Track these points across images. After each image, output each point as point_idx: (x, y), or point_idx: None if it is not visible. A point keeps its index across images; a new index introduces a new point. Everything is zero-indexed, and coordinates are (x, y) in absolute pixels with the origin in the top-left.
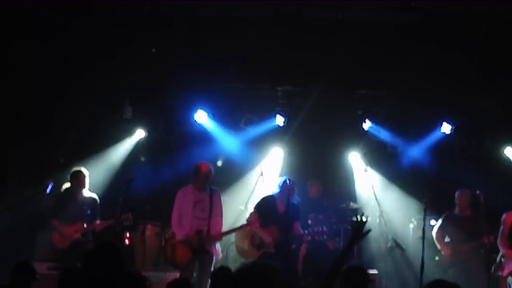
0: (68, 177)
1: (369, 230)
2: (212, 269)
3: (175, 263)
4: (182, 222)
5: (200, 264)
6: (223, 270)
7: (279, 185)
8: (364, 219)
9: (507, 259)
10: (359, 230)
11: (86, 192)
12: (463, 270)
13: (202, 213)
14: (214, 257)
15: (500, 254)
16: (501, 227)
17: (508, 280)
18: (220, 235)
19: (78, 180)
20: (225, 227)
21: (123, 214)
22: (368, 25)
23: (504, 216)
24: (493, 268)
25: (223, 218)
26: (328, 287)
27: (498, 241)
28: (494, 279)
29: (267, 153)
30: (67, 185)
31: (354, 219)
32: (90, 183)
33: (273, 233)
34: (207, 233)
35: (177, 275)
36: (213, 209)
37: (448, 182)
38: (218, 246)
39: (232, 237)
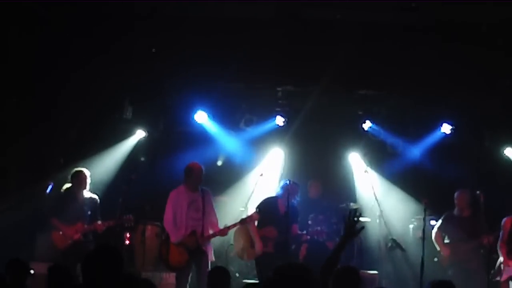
0: (69, 177)
1: (362, 227)
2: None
3: (171, 266)
4: (177, 223)
5: (197, 265)
6: (220, 270)
7: (281, 187)
8: (356, 217)
9: (505, 265)
10: (352, 227)
11: (87, 193)
12: (462, 271)
13: (196, 213)
14: (209, 258)
15: (500, 259)
16: (501, 232)
17: (509, 284)
18: (220, 232)
19: (79, 180)
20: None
21: (124, 216)
22: (368, 25)
23: (503, 221)
24: (491, 272)
25: (219, 218)
26: (324, 284)
27: (498, 246)
28: (493, 282)
29: (267, 153)
30: (68, 185)
31: (347, 218)
32: (90, 183)
33: (271, 233)
34: (201, 233)
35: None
36: (206, 209)
37: (448, 182)
38: (211, 247)
39: (231, 238)
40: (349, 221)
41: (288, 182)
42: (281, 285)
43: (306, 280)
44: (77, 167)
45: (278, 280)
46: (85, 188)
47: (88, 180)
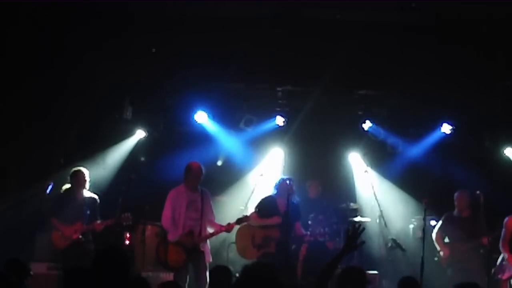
0: (68, 177)
1: (362, 242)
2: (206, 269)
3: (169, 266)
4: (175, 222)
5: (195, 265)
6: (222, 268)
7: (275, 186)
8: (359, 232)
9: (508, 263)
10: (353, 239)
11: (87, 193)
12: (462, 271)
13: (195, 213)
14: (206, 258)
15: (501, 256)
16: (503, 230)
17: (510, 282)
18: (226, 227)
19: (77, 179)
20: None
21: (123, 214)
22: (368, 25)
23: (506, 219)
24: (493, 270)
25: (219, 218)
26: None
27: (500, 244)
28: (493, 281)
29: (267, 153)
30: (67, 186)
31: (350, 227)
32: (90, 183)
33: (275, 233)
34: (199, 233)
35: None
36: (205, 209)
37: (448, 182)
38: (209, 248)
39: (233, 237)
40: (351, 233)
41: (282, 180)
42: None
43: (274, 280)
44: (77, 167)
45: (245, 281)
46: (84, 187)
47: (87, 179)
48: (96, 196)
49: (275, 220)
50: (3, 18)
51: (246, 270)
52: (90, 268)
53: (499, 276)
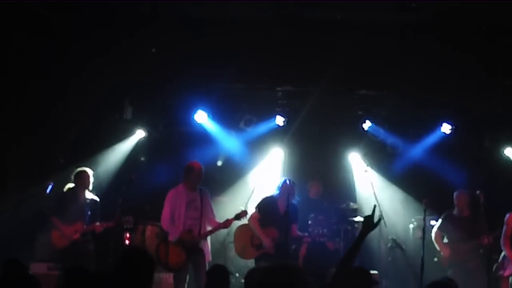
0: (72, 176)
1: (380, 219)
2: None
3: (169, 266)
4: (175, 222)
5: (195, 265)
6: (219, 267)
7: (278, 187)
8: (374, 213)
9: (509, 261)
10: (370, 222)
11: (88, 194)
12: (462, 271)
13: (195, 212)
14: (206, 258)
15: (503, 253)
16: (504, 227)
17: (510, 280)
18: (224, 224)
19: (81, 180)
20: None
21: (123, 217)
22: (368, 25)
23: (507, 216)
24: (494, 266)
25: (219, 218)
26: (339, 279)
27: (501, 241)
28: (494, 278)
29: (267, 154)
30: (70, 185)
31: (364, 217)
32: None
33: (273, 233)
34: (199, 232)
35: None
36: (204, 208)
37: (448, 182)
38: (209, 247)
39: (232, 236)
40: (367, 218)
41: (286, 181)
42: None
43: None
44: (77, 167)
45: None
46: (87, 188)
47: (91, 180)
48: (97, 198)
49: (271, 233)
50: (5, 18)
51: (266, 273)
52: (113, 269)
53: (500, 272)
